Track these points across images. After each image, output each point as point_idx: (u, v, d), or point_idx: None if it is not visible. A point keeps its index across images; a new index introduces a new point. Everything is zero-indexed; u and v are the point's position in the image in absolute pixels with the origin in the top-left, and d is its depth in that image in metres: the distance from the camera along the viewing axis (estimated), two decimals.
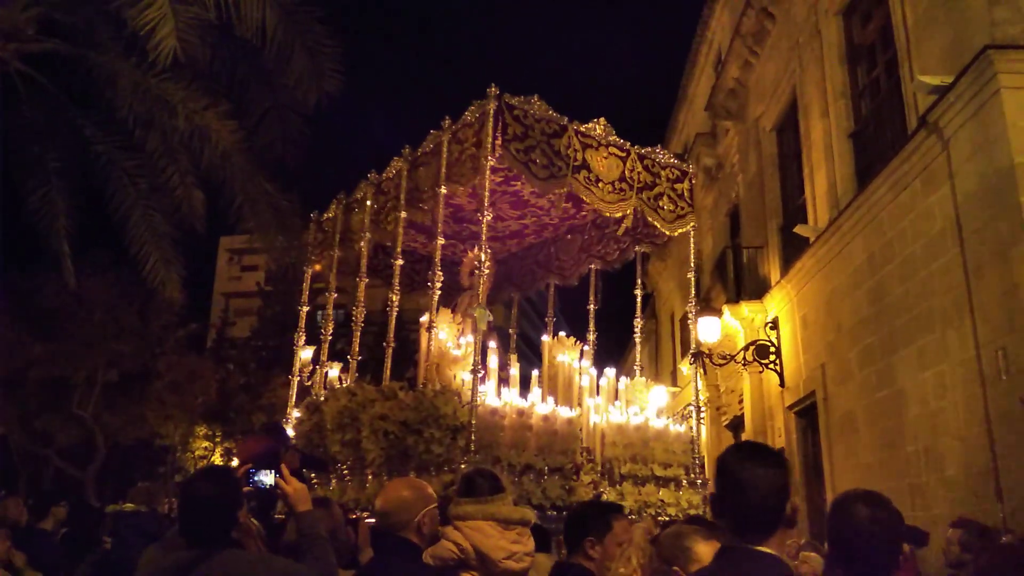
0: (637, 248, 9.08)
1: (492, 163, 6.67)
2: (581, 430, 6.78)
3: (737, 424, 14.38)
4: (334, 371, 8.58)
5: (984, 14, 7.07)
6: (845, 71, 10.43)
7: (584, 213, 8.78)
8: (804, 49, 11.44)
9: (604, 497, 6.37)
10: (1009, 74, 6.74)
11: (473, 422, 6.00)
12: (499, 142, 6.63)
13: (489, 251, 6.90)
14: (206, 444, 27.08)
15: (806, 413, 11.33)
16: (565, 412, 6.71)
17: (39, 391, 21.14)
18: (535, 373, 7.54)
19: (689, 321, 8.81)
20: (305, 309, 9.56)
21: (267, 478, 3.27)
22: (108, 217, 10.22)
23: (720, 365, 12.59)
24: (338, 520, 4.01)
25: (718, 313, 12.53)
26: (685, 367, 16.49)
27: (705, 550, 2.55)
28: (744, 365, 12.41)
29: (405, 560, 2.85)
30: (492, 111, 6.67)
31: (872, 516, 2.41)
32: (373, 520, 3.37)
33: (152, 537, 5.20)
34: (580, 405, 7.09)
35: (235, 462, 3.46)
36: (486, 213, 6.81)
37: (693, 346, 8.99)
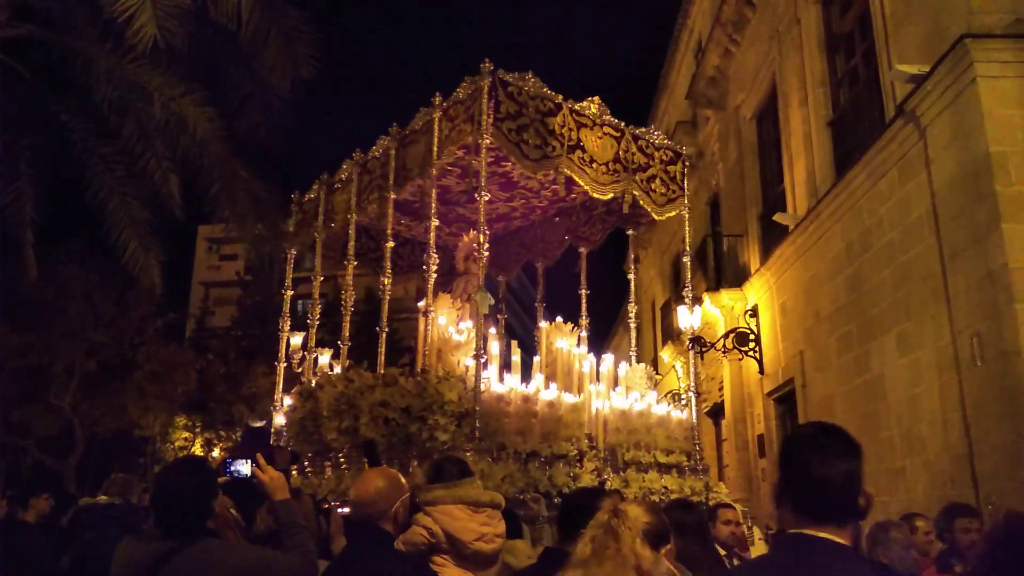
0: (629, 232, 8.96)
1: (488, 141, 6.45)
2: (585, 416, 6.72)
3: (717, 411, 14.49)
4: (324, 357, 8.42)
5: (961, 3, 7.12)
6: (824, 60, 10.47)
7: (574, 195, 8.56)
8: (783, 38, 11.48)
9: (608, 484, 6.32)
10: (985, 63, 6.80)
11: (478, 408, 5.90)
12: (490, 121, 6.41)
13: (487, 233, 6.68)
14: (186, 435, 26.91)
15: (785, 400, 11.43)
16: (569, 398, 6.63)
17: (16, 382, 20.89)
18: (536, 359, 7.43)
19: (685, 304, 8.69)
20: (289, 293, 9.38)
21: (244, 467, 3.26)
22: (85, 205, 10.10)
23: (700, 353, 12.66)
24: (308, 510, 4.00)
25: (698, 301, 12.59)
26: (666, 354, 16.58)
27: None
28: (724, 352, 12.49)
29: (378, 548, 2.85)
30: (486, 87, 6.45)
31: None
32: (347, 510, 3.36)
33: (130, 529, 5.16)
34: (581, 391, 7.00)
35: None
36: (483, 194, 6.56)
37: (689, 331, 8.82)
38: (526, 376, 6.87)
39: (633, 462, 6.91)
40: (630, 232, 9.04)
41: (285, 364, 8.80)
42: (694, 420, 7.65)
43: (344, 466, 6.92)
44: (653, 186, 7.71)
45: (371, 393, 6.48)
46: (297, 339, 8.90)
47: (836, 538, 1.83)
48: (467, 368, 6.44)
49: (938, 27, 7.42)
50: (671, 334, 14.92)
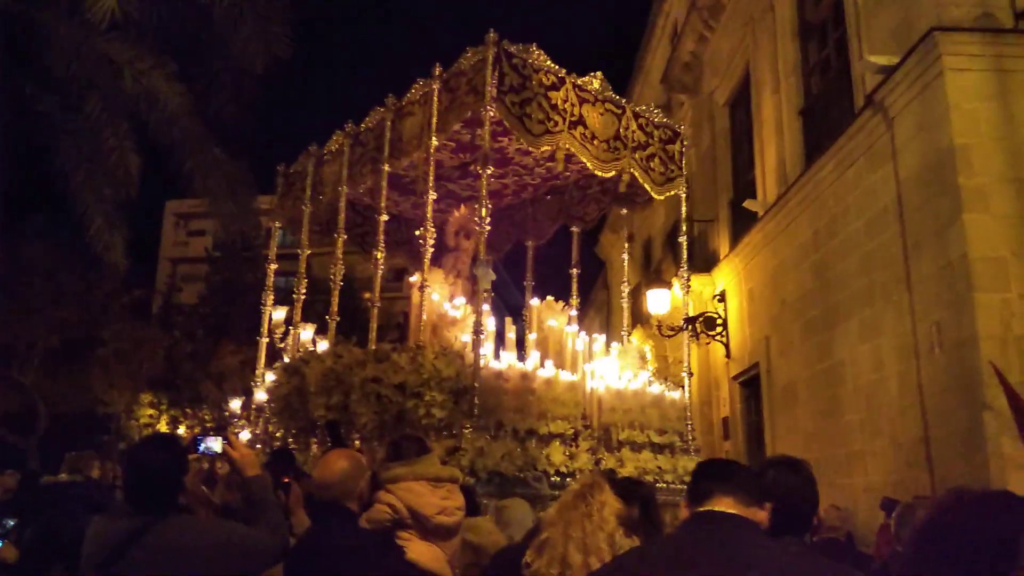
0: (624, 210, 8.86)
1: (492, 114, 6.30)
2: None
3: None
4: (308, 332, 8.27)
5: None
6: (797, 48, 10.56)
7: (568, 173, 8.40)
8: (758, 24, 11.55)
9: (603, 464, 6.29)
10: (953, 56, 6.89)
11: (476, 385, 5.80)
12: (493, 94, 6.28)
13: (489, 207, 6.52)
14: (151, 412, 26.66)
15: (750, 383, 11.62)
16: (567, 376, 6.57)
17: None
18: (531, 337, 7.37)
19: (678, 284, 8.68)
20: (273, 267, 9.18)
21: (215, 444, 3.30)
22: (50, 180, 9.94)
23: (669, 336, 12.79)
24: (268, 484, 4.06)
25: (668, 285, 12.70)
26: (635, 337, 16.71)
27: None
28: (693, 336, 12.60)
29: (344, 526, 2.92)
30: (491, 58, 6.31)
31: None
32: (314, 488, 3.41)
33: (91, 506, 5.14)
34: (576, 370, 6.95)
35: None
36: (486, 168, 6.43)
37: (686, 313, 8.78)
38: (520, 354, 6.81)
39: (628, 442, 6.85)
40: (624, 212, 8.99)
41: (267, 339, 8.64)
42: (687, 400, 7.63)
43: (331, 443, 6.82)
44: (652, 164, 7.59)
45: (362, 369, 6.31)
46: (280, 313, 8.71)
47: (735, 511, 1.88)
48: (464, 344, 6.36)
49: (908, 19, 7.52)
50: (640, 317, 15.03)
